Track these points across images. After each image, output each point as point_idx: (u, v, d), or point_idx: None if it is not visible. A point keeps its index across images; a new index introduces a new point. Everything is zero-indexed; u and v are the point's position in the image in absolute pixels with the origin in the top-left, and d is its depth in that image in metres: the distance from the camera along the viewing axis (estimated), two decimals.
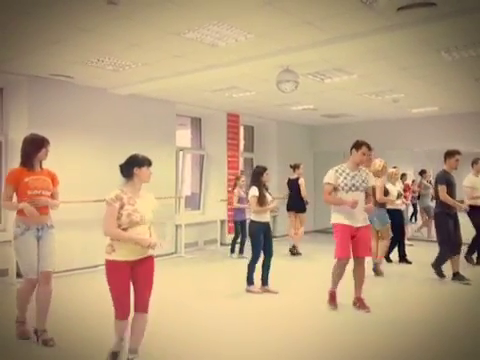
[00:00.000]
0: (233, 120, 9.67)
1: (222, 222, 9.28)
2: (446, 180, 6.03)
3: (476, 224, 7.06)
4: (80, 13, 4.01)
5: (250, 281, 5.59)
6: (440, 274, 6.15)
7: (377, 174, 6.33)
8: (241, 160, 10.26)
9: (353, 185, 4.78)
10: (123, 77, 6.39)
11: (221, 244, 9.10)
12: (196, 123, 9.71)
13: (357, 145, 4.98)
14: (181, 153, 9.01)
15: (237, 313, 4.80)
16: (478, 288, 5.82)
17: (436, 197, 6.25)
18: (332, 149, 11.26)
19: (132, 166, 3.40)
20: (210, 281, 6.31)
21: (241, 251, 7.98)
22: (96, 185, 7.00)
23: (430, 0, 3.70)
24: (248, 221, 7.52)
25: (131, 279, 3.27)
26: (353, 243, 4.77)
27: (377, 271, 6.47)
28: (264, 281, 5.57)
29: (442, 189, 5.96)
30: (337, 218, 4.83)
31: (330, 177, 4.84)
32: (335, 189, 4.81)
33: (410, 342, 3.94)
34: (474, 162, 7.38)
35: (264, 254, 5.55)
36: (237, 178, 8.24)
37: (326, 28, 4.37)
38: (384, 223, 6.59)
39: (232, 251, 8.11)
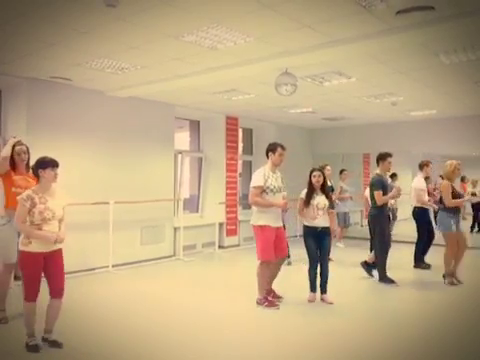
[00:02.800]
0: (232, 123, 9.67)
1: (221, 225, 9.27)
2: (382, 184, 6.07)
3: (420, 226, 7.25)
4: (79, 15, 4.01)
5: (312, 288, 5.25)
6: (390, 281, 6.06)
7: (449, 176, 6.12)
8: (240, 163, 10.25)
9: (278, 187, 5.02)
10: (122, 80, 6.38)
11: (219, 247, 9.09)
12: (195, 126, 9.71)
13: (273, 147, 5.13)
14: (180, 156, 9.00)
15: (236, 316, 4.78)
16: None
17: (372, 200, 6.22)
18: (331, 152, 11.29)
19: (38, 167, 3.76)
20: (209, 284, 6.29)
21: None
22: (94, 188, 7.01)
23: (428, 4, 3.71)
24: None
25: (44, 269, 3.75)
26: (274, 243, 4.95)
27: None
28: (322, 289, 5.22)
29: (378, 194, 5.99)
30: (262, 220, 4.93)
31: (259, 180, 4.96)
32: (261, 192, 4.95)
33: (412, 341, 3.95)
34: (425, 165, 7.46)
35: (319, 262, 5.20)
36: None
37: (325, 31, 4.38)
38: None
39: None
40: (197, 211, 9.55)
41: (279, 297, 5.23)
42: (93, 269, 6.88)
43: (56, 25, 4.25)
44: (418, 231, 7.28)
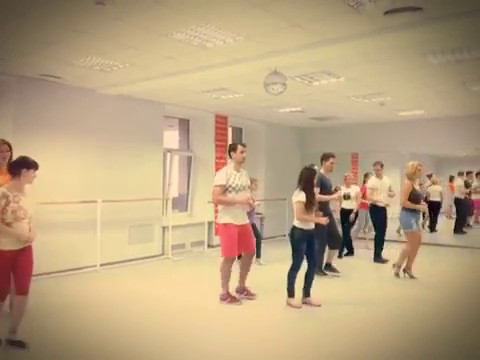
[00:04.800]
0: (221, 122, 9.66)
1: (210, 224, 9.26)
2: (320, 183, 6.14)
3: (375, 223, 7.87)
4: (69, 13, 3.97)
5: (291, 293, 5.07)
6: (334, 270, 6.55)
7: (410, 176, 6.32)
8: (228, 160, 10.22)
9: (241, 185, 5.16)
10: (111, 78, 6.34)
11: (208, 246, 9.07)
12: (184, 124, 9.68)
13: (233, 147, 5.31)
14: (169, 154, 8.97)
15: (225, 315, 4.78)
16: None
17: None
18: (320, 151, 11.19)
19: (21, 167, 3.74)
20: (198, 283, 6.28)
21: (258, 255, 7.41)
22: (82, 186, 6.97)
23: (417, 4, 3.73)
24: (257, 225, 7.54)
25: (12, 266, 3.71)
26: (239, 240, 5.07)
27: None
28: (306, 293, 5.12)
29: (317, 191, 6.02)
30: (225, 218, 5.11)
31: (222, 179, 5.09)
32: (225, 190, 5.08)
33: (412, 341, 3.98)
34: (380, 164, 8.05)
35: (308, 264, 5.13)
36: (251, 181, 7.73)
37: (314, 31, 4.39)
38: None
39: (258, 256, 7.44)
40: (186, 210, 9.52)
41: (252, 294, 5.35)
42: (81, 268, 6.82)
43: (46, 23, 4.21)
44: (374, 228, 7.93)
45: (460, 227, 11.25)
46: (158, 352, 3.77)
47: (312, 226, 5.04)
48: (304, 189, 4.96)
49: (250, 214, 7.37)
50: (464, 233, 11.24)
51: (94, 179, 7.15)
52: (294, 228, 5.02)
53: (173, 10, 3.90)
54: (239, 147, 5.26)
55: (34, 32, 4.49)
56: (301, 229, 4.96)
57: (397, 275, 6.45)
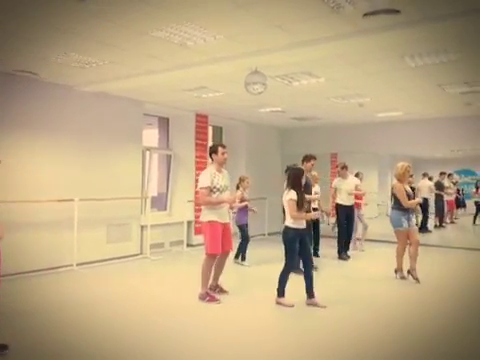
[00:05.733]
0: (201, 121, 9.63)
1: (189, 223, 9.22)
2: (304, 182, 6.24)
3: (339, 221, 8.32)
4: (46, 8, 3.90)
5: (281, 292, 5.03)
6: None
7: (400, 178, 6.35)
8: (209, 161, 10.20)
9: (224, 185, 5.27)
10: (90, 75, 6.25)
11: (188, 245, 9.03)
12: (164, 123, 9.62)
13: (214, 149, 5.39)
14: (148, 153, 8.90)
15: (205, 315, 4.77)
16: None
17: None
18: (301, 151, 11.28)
19: None
20: (176, 282, 6.25)
21: (243, 258, 7.42)
22: (59, 185, 6.87)
23: (395, 7, 3.79)
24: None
25: None
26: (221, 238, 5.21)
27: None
28: (310, 294, 5.00)
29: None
30: (210, 216, 5.19)
31: (207, 181, 5.17)
32: (209, 191, 5.17)
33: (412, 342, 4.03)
34: (341, 166, 8.51)
35: (304, 263, 5.12)
36: (242, 180, 7.48)
37: (294, 32, 4.41)
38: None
39: (243, 258, 7.40)
40: (165, 209, 9.47)
41: (225, 291, 5.45)
42: (57, 268, 6.72)
43: (22, 18, 4.12)
44: (337, 225, 8.38)
45: (424, 225, 11.65)
46: (136, 351, 3.73)
47: (304, 225, 5.04)
48: (294, 188, 4.97)
49: (243, 214, 7.46)
50: (429, 231, 11.77)
51: (72, 177, 7.05)
52: (287, 228, 4.99)
53: (153, 7, 3.87)
54: (220, 149, 5.34)
55: (10, 28, 4.39)
56: (294, 229, 4.93)
57: (403, 278, 6.34)
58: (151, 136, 9.60)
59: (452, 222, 13.89)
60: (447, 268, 7.58)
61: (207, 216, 5.22)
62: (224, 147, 5.40)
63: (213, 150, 5.39)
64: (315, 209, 6.21)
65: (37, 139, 6.65)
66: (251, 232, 7.53)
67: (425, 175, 12.16)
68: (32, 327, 4.24)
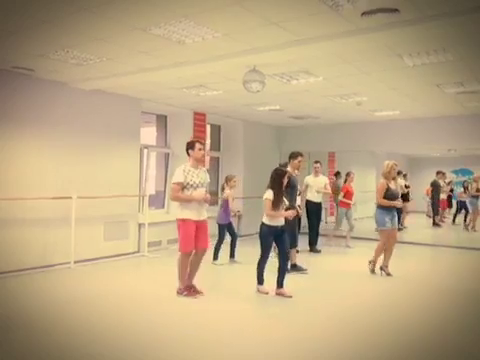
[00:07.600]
0: (200, 119, 9.62)
1: None
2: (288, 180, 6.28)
3: (309, 217, 8.70)
4: (42, 4, 3.88)
5: (260, 280, 5.49)
6: (300, 269, 6.62)
7: (385, 175, 6.50)
8: (207, 159, 10.21)
9: (199, 182, 5.25)
10: (86, 71, 6.23)
11: None
12: (162, 121, 9.61)
13: (191, 145, 5.33)
14: (145, 151, 8.89)
15: (200, 313, 4.77)
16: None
17: None
18: (298, 150, 11.37)
19: None
20: (173, 280, 6.23)
21: (232, 255, 7.42)
22: (57, 182, 6.85)
23: (394, 6, 3.79)
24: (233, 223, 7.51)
25: None
26: (195, 236, 5.22)
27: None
28: (279, 284, 5.41)
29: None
30: (184, 214, 5.21)
31: (179, 176, 5.18)
32: (183, 187, 5.17)
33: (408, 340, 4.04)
34: (316, 164, 8.89)
35: (279, 257, 5.50)
36: (229, 179, 7.41)
37: (293, 30, 4.41)
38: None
39: (215, 257, 7.28)
40: (163, 207, 9.46)
41: (199, 292, 5.37)
42: (54, 265, 6.71)
43: (18, 13, 4.10)
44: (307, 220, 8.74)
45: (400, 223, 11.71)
46: (133, 349, 3.73)
47: (281, 222, 5.34)
48: (272, 188, 5.31)
49: (226, 213, 7.40)
50: (405, 227, 12.12)
51: (69, 175, 7.03)
52: (262, 224, 5.37)
53: (151, 4, 3.86)
54: (197, 145, 5.30)
55: (6, 24, 4.37)
56: (269, 225, 5.30)
57: (373, 271, 6.65)
58: (149, 134, 9.59)
59: (442, 221, 13.92)
60: (421, 264, 7.94)
61: (181, 213, 5.23)
62: (201, 143, 5.38)
63: (190, 146, 5.33)
64: (293, 207, 6.16)
65: (34, 136, 6.62)
66: (247, 230, 7.53)
67: (399, 173, 12.11)
68: (27, 325, 4.24)
